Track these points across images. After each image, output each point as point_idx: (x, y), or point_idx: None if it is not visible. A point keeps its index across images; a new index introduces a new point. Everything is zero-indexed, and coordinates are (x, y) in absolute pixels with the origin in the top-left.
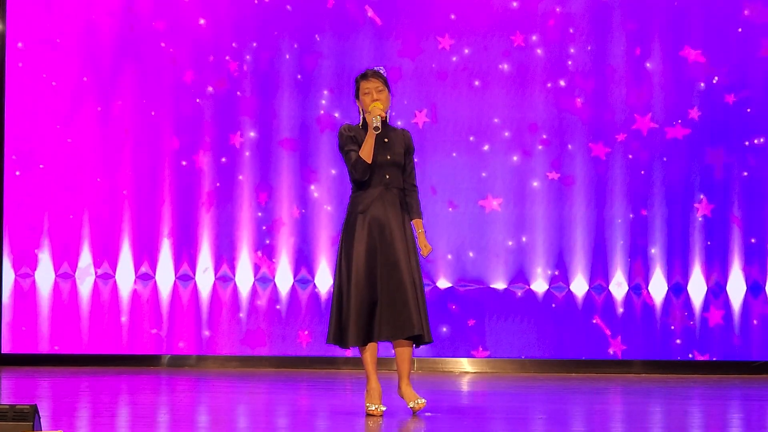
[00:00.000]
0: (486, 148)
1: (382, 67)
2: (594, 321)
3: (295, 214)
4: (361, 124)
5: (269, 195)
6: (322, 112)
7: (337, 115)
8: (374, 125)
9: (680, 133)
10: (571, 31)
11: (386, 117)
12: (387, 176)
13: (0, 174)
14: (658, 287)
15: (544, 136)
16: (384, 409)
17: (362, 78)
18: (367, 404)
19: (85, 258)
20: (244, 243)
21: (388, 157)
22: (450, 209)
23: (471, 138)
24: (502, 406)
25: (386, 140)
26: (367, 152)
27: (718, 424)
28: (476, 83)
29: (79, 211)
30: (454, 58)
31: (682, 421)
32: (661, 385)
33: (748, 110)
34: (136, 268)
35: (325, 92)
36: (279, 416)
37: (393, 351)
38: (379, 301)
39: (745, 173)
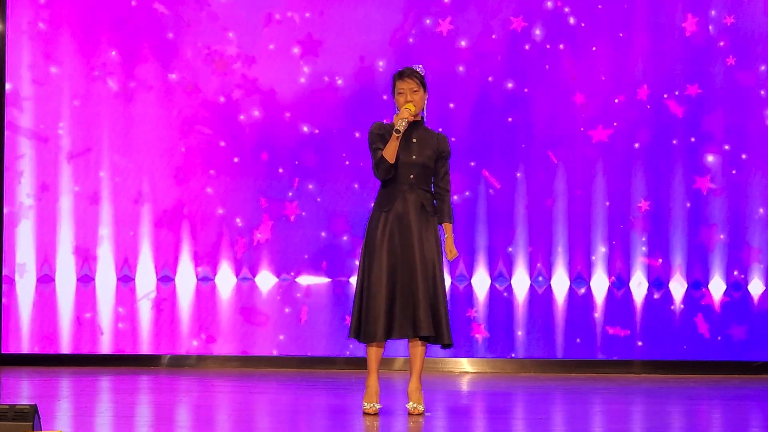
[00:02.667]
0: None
1: (420, 66)
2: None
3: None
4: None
5: (266, 196)
6: (302, 80)
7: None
8: (396, 128)
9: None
10: (568, 12)
11: (422, 118)
12: (411, 176)
13: (0, 170)
14: (676, 287)
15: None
16: (379, 407)
17: (398, 77)
18: (364, 402)
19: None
20: (241, 240)
21: (414, 158)
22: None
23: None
24: (502, 406)
25: (414, 140)
26: (390, 153)
27: (718, 424)
28: (462, 43)
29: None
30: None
31: (682, 421)
32: (662, 385)
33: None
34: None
35: (304, 66)
36: (279, 416)
37: (393, 350)
38: (396, 299)
39: (740, 155)
